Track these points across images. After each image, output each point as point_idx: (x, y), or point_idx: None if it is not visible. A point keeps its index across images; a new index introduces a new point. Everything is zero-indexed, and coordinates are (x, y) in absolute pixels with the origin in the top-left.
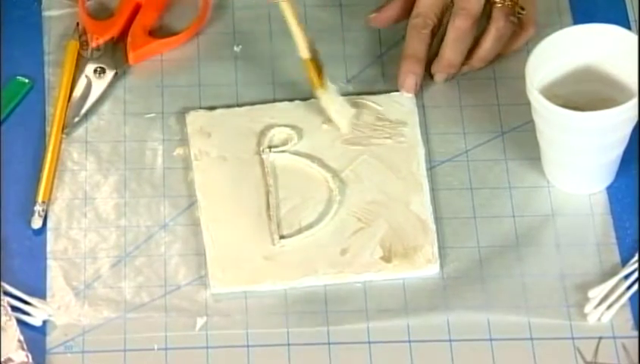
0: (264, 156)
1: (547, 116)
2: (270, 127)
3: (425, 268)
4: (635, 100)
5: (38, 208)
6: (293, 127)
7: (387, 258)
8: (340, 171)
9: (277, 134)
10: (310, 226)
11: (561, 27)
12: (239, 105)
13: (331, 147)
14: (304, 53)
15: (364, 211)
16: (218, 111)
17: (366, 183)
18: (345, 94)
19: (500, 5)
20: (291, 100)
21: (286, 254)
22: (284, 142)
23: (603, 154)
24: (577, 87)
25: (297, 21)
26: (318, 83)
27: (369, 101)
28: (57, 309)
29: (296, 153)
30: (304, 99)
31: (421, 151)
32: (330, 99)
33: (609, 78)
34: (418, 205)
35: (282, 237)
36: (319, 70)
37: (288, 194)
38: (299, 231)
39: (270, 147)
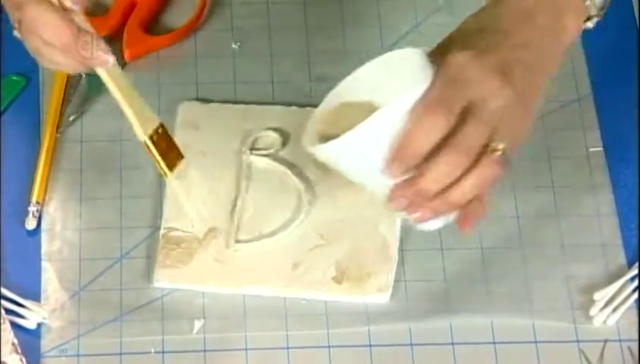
0: (243, 157)
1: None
2: (259, 128)
3: (375, 295)
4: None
5: (32, 208)
6: (282, 132)
7: (338, 280)
8: (315, 184)
9: (263, 137)
10: (270, 235)
11: None
12: (236, 104)
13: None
14: (140, 134)
15: (329, 229)
16: (212, 104)
17: (339, 198)
18: None
19: (492, 149)
20: (289, 104)
21: (238, 259)
22: (268, 147)
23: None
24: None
25: (129, 94)
26: (165, 169)
27: None
28: (51, 311)
29: (278, 159)
30: (303, 101)
31: None
32: (183, 188)
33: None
34: (386, 228)
35: (238, 242)
36: (168, 150)
37: (258, 199)
38: (258, 238)
39: (252, 149)
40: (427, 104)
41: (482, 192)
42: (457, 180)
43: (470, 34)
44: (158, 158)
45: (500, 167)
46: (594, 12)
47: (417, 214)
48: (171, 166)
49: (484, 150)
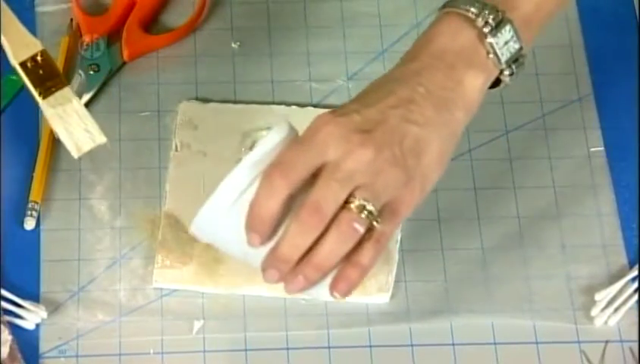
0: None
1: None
2: (258, 128)
3: (375, 295)
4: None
5: (31, 208)
6: None
7: None
8: None
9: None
10: None
11: (566, 20)
12: (236, 103)
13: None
14: (11, 58)
15: None
16: (212, 104)
17: None
18: (347, 91)
19: (350, 207)
20: (289, 104)
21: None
22: None
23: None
24: None
25: (4, 18)
26: (35, 95)
27: None
28: (50, 312)
29: None
30: (303, 101)
31: None
32: (60, 114)
33: None
34: None
35: None
36: (47, 77)
37: None
38: None
39: (251, 149)
40: (269, 167)
41: (361, 257)
42: (318, 242)
43: (358, 96)
44: (28, 83)
45: (360, 223)
46: (503, 66)
47: (291, 285)
48: (47, 93)
49: (345, 208)
